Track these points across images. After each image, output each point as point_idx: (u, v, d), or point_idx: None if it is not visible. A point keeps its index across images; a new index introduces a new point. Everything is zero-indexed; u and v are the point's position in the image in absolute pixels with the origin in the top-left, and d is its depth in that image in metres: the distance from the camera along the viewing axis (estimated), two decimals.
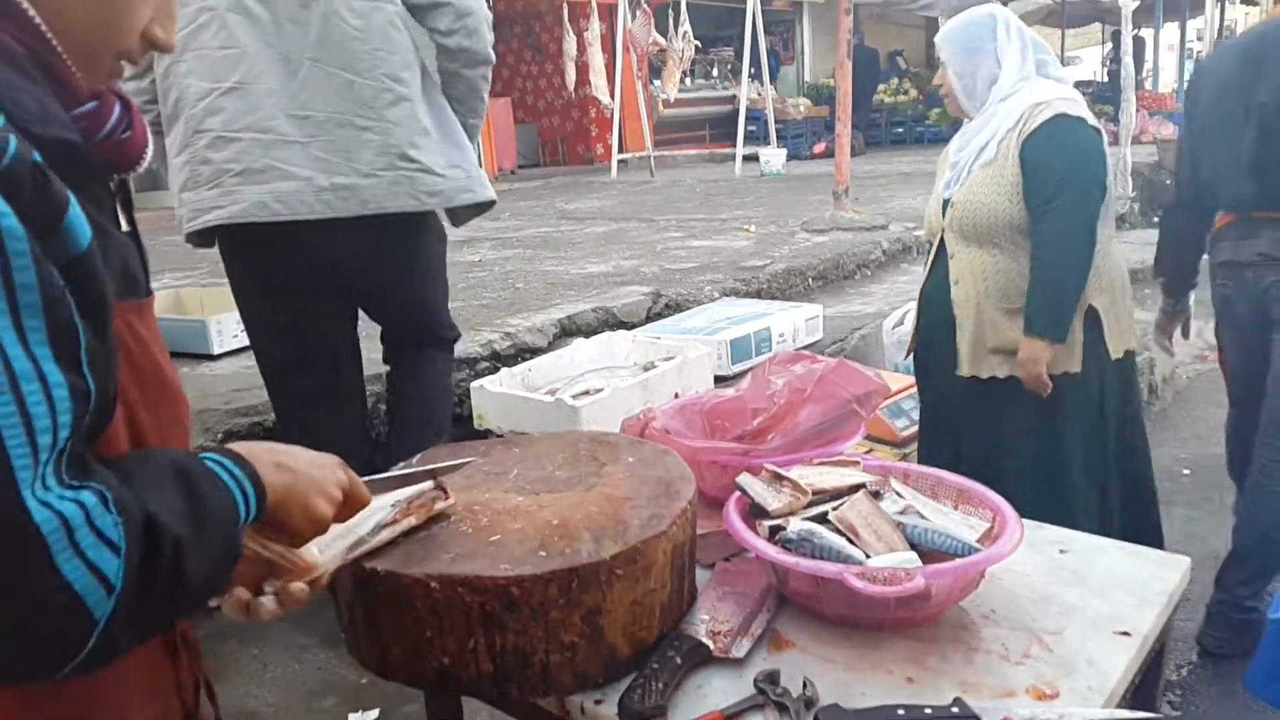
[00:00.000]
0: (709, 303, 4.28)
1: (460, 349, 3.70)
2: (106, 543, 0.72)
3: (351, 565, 1.15)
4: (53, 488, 0.72)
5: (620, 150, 12.40)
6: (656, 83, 12.84)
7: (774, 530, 1.27)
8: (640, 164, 12.74)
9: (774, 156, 11.34)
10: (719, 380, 3.49)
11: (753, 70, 12.04)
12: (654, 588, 1.18)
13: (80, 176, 0.81)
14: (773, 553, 1.23)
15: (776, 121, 12.89)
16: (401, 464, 1.42)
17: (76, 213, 0.76)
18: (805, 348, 3.90)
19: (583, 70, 12.29)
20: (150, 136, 0.95)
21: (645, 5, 11.50)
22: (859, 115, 15.63)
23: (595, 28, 11.88)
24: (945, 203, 2.49)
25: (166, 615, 0.82)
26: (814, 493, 1.34)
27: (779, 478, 1.37)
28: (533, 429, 3.16)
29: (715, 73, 16.37)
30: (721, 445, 1.54)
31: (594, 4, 11.87)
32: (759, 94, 13.15)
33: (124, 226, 0.95)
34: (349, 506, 1.04)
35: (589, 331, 4.04)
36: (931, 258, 2.58)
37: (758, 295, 4.56)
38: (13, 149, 0.70)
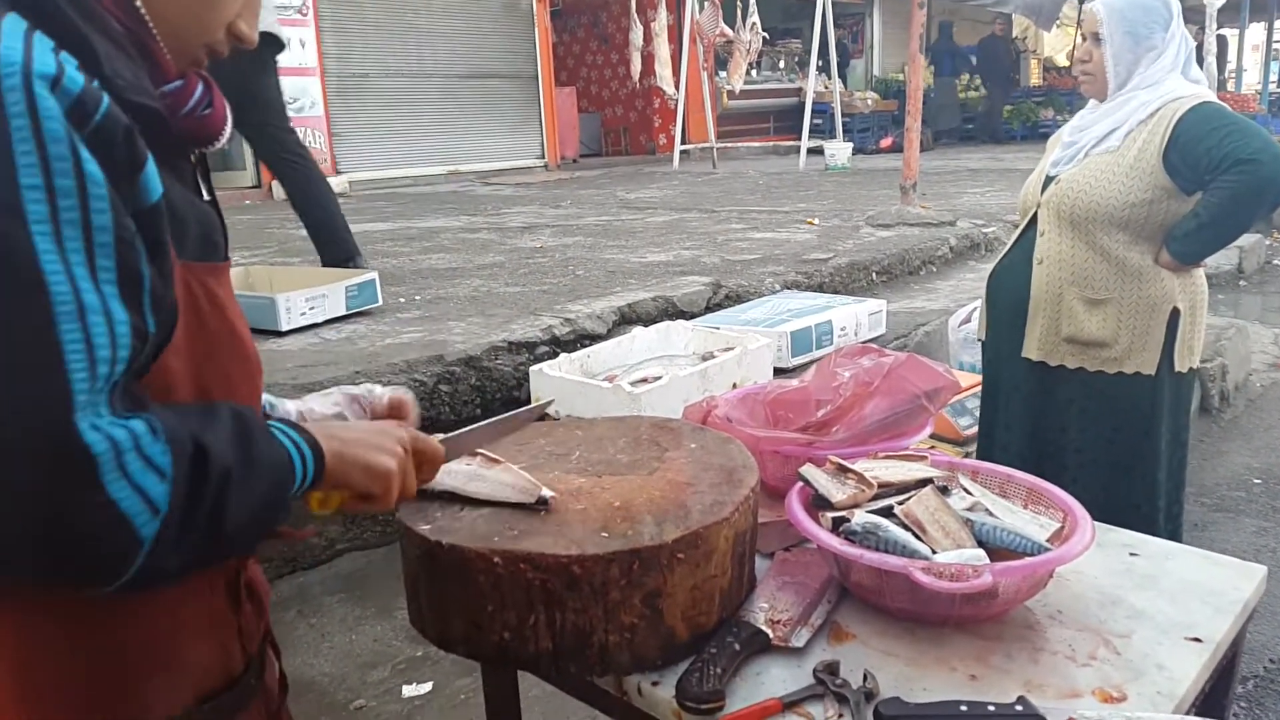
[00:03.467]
0: (770, 295, 4.26)
1: (520, 333, 3.73)
2: (154, 468, 0.77)
3: (412, 536, 1.17)
4: (104, 415, 0.77)
5: (683, 141, 12.37)
6: (722, 74, 12.76)
7: (838, 522, 1.26)
8: (703, 155, 12.70)
9: (840, 150, 11.22)
10: (779, 372, 3.47)
11: (821, 63, 11.91)
12: (714, 573, 1.17)
13: (162, 144, 0.87)
14: (836, 544, 1.22)
15: (843, 115, 12.75)
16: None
17: (152, 170, 0.83)
18: (867, 342, 3.85)
19: (648, 61, 12.28)
20: (229, 114, 0.99)
21: None
22: (994, 105, 15.44)
23: (663, 18, 11.85)
24: (1049, 180, 2.44)
25: (214, 549, 0.85)
26: (880, 486, 1.32)
27: (844, 470, 1.35)
28: (591, 415, 3.18)
29: (782, 65, 16.23)
30: (784, 435, 1.52)
31: None
32: (826, 87, 13.01)
33: (204, 196, 1.01)
34: (421, 460, 1.07)
35: (648, 320, 4.04)
36: (1016, 235, 2.53)
37: (820, 289, 4.52)
38: (104, 107, 0.78)
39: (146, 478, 0.77)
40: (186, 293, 0.91)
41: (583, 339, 3.82)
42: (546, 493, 1.21)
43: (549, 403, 1.32)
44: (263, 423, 0.92)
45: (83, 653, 0.89)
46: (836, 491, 1.30)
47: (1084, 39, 2.42)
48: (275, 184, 9.12)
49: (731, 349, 3.37)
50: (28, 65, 0.75)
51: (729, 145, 13.15)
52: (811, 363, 3.66)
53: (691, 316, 4.06)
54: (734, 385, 3.32)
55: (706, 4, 11.32)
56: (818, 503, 1.33)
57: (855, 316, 3.77)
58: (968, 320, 3.91)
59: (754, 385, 1.79)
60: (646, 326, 3.80)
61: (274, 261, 5.72)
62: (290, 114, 9.16)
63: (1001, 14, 16.07)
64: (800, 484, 1.36)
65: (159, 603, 0.92)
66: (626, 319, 4.04)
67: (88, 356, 0.75)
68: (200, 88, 0.95)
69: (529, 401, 3.31)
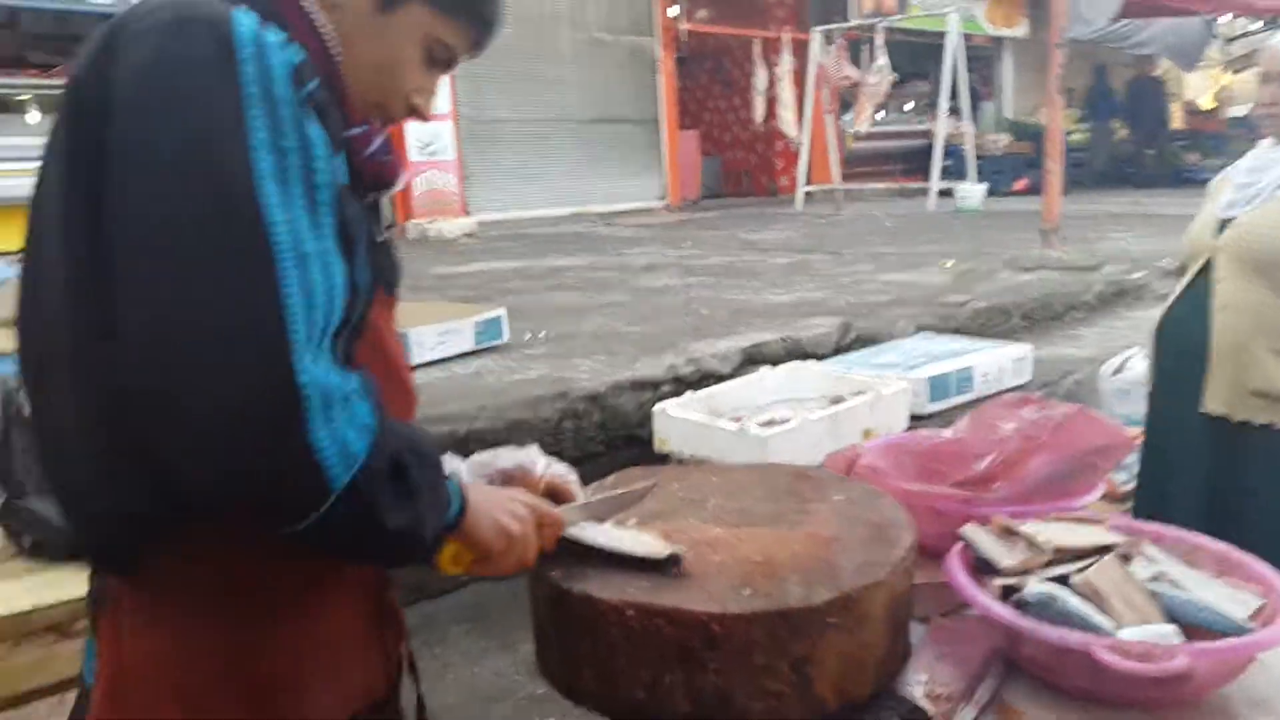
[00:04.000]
0: (903, 337, 4.09)
1: (644, 371, 3.67)
2: (357, 425, 0.81)
3: (543, 580, 1.10)
4: (321, 362, 0.79)
5: (806, 183, 12.23)
6: (847, 116, 12.61)
7: (1007, 590, 1.13)
8: (825, 197, 12.53)
9: (972, 192, 10.89)
10: (916, 419, 3.31)
11: (952, 104, 11.64)
12: (868, 641, 1.06)
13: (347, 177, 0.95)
14: (1007, 615, 1.09)
15: (975, 157, 12.41)
16: (594, 485, 1.36)
17: (342, 158, 0.90)
18: (1011, 390, 3.65)
19: (771, 104, 12.23)
20: (406, 164, 1.06)
21: (840, 39, 11.34)
22: (1152, 143, 14.89)
23: (786, 62, 11.80)
24: (1223, 223, 2.25)
25: (370, 540, 0.85)
26: (1054, 552, 1.18)
27: (1011, 532, 1.22)
28: (716, 457, 3.09)
29: (909, 107, 15.96)
30: (940, 490, 1.40)
31: (785, 39, 11.81)
32: (956, 128, 12.70)
33: (380, 237, 1.05)
34: (543, 527, 1.07)
35: (775, 361, 3.93)
36: (1187, 281, 2.34)
37: (957, 332, 4.32)
38: (316, 81, 0.85)
39: (350, 431, 0.80)
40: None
41: (707, 378, 3.73)
42: (678, 549, 1.11)
43: (651, 486, 1.27)
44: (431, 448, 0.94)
45: (242, 657, 0.90)
46: (1004, 556, 1.17)
47: (1266, 80, 2.25)
48: (409, 224, 9.42)
49: (864, 393, 3.24)
50: (259, 34, 0.81)
51: (853, 187, 12.93)
52: (951, 410, 3.49)
53: (820, 358, 3.93)
54: (866, 432, 3.18)
55: (833, 47, 11.23)
56: (982, 567, 1.20)
57: (998, 362, 3.58)
58: (1120, 370, 3.66)
59: (901, 434, 1.67)
60: (773, 367, 3.69)
61: (403, 297, 5.81)
62: (424, 158, 9.53)
63: (1144, 55, 15.49)
64: (961, 545, 1.24)
65: (313, 613, 0.94)
66: (752, 359, 3.94)
67: (306, 301, 0.78)
68: (381, 137, 1.01)
69: (651, 441, 3.24)
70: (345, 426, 0.79)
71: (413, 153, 9.40)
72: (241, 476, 0.78)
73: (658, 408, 3.19)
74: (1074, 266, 5.84)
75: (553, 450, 3.27)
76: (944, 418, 3.45)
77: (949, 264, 6.26)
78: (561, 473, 1.20)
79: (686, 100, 14.87)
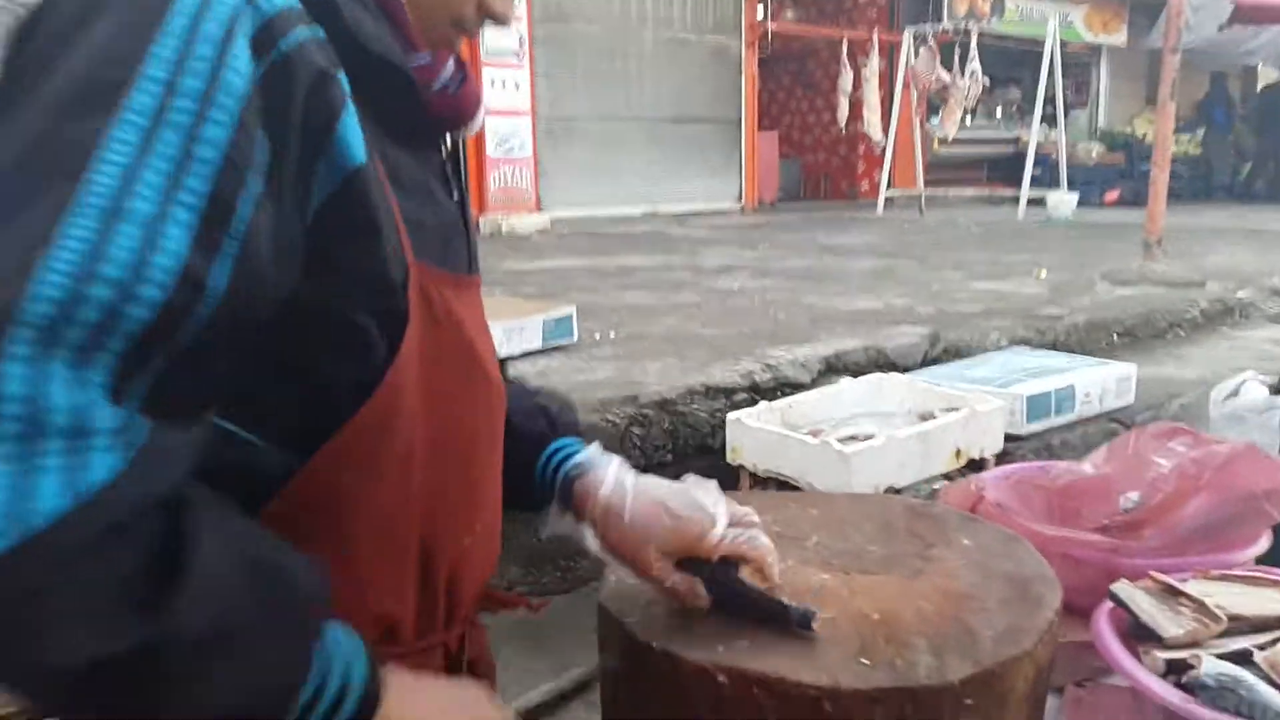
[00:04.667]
0: (995, 350, 3.85)
1: (717, 377, 3.49)
2: (71, 479, 0.50)
3: (613, 628, 0.94)
4: (61, 368, 0.51)
5: (888, 187, 11.91)
6: (935, 120, 12.24)
7: (1173, 666, 0.93)
8: (908, 202, 12.20)
9: (1064, 201, 10.48)
10: (1010, 440, 3.07)
11: (1044, 111, 11.23)
12: None
13: (407, 117, 0.79)
14: (1175, 699, 0.89)
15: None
16: None
17: (351, 129, 0.69)
18: (1113, 411, 3.39)
19: (855, 106, 11.93)
20: (483, 98, 0.87)
21: (931, 42, 11.00)
22: (1266, 160, 14.17)
23: (874, 64, 11.50)
24: None
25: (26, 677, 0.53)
26: (1229, 620, 0.98)
27: (1174, 592, 1.02)
28: (793, 473, 2.90)
29: (999, 113, 15.48)
30: (1081, 537, 1.20)
31: (875, 40, 11.51)
32: (1047, 137, 12.25)
33: (453, 195, 0.88)
34: None
35: (857, 371, 3.72)
36: None
37: (1053, 347, 4.06)
38: (296, 39, 0.65)
39: (47, 480, 0.49)
40: (421, 299, 0.77)
41: (784, 387, 3.54)
42: (814, 610, 0.89)
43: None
44: (313, 619, 0.64)
45: None
46: (1168, 622, 0.97)
47: None
48: (483, 219, 9.37)
49: (956, 409, 3.01)
50: None
51: (938, 193, 12.56)
52: (1049, 431, 3.25)
53: (905, 370, 3.71)
54: (957, 452, 2.96)
55: (923, 49, 10.90)
56: (1137, 633, 1.00)
57: (1101, 381, 3.33)
58: (1235, 394, 3.37)
59: (1028, 466, 1.47)
60: (855, 377, 3.49)
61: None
62: (500, 154, 9.47)
63: (1250, 64, 14.81)
64: (1110, 605, 1.04)
65: None
66: (833, 368, 3.73)
67: (82, 268, 0.53)
68: (452, 64, 0.84)
69: (723, 451, 3.05)
70: (40, 473, 0.49)
71: (489, 149, 9.36)
72: None
73: (731, 416, 3.02)
74: (1177, 282, 5.50)
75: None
76: (1041, 439, 3.21)
77: (1043, 273, 5.95)
78: (749, 542, 0.90)
79: (767, 101, 14.64)
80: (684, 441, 3.20)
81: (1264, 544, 1.23)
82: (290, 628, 0.62)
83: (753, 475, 2.92)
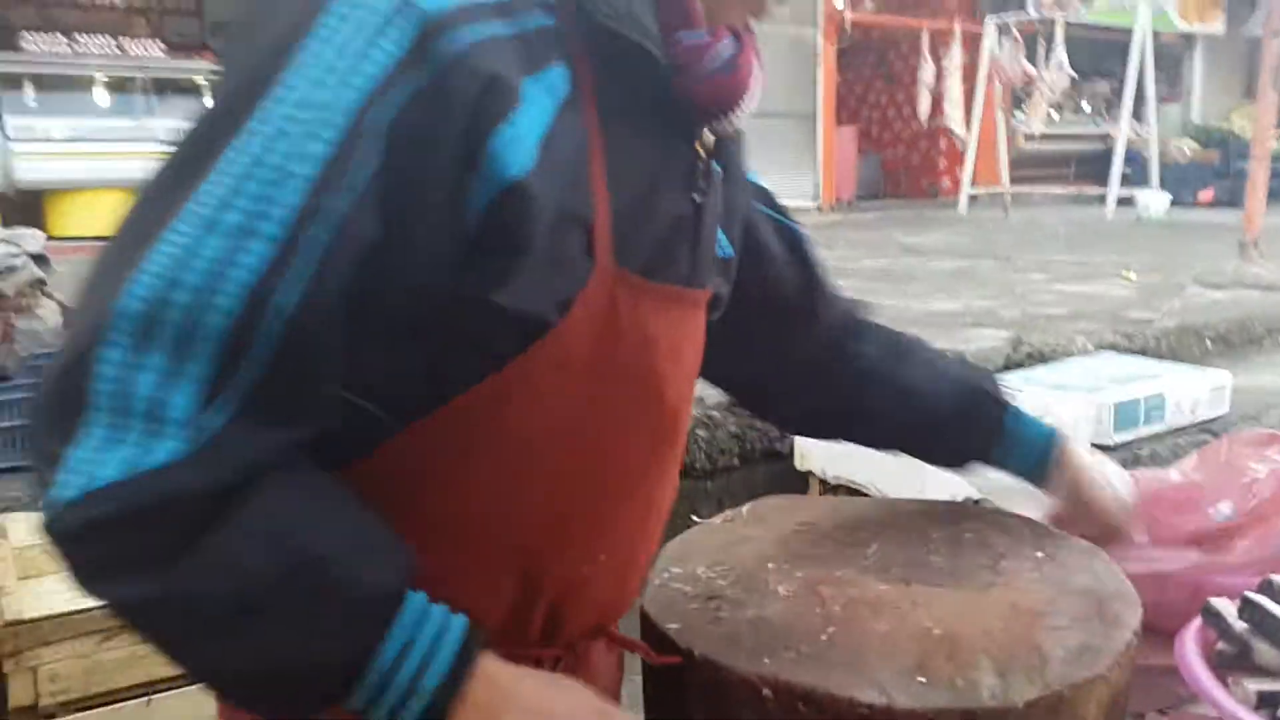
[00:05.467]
0: (1082, 355, 3.70)
1: None
2: (133, 455, 0.57)
3: (654, 634, 0.89)
4: (150, 364, 0.57)
5: (971, 185, 11.62)
6: (1019, 115, 11.91)
7: (1264, 698, 0.85)
8: (992, 200, 11.88)
9: (1155, 200, 10.10)
10: (1097, 449, 2.94)
11: (1134, 107, 10.83)
12: None
13: (650, 104, 0.74)
14: None
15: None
16: (727, 513, 1.15)
17: (512, 135, 0.64)
18: (1206, 422, 3.22)
19: (937, 100, 11.67)
20: (759, 79, 0.78)
21: (1016, 33, 10.70)
22: None
23: (956, 56, 11.23)
24: None
25: (114, 599, 0.61)
26: None
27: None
28: (863, 480, 2.82)
29: (1087, 107, 14.99)
30: (1164, 551, 1.11)
31: (957, 31, 11.24)
32: (1137, 133, 11.82)
33: (696, 196, 0.81)
34: None
35: None
36: None
37: (1142, 353, 3.89)
38: (463, 39, 0.63)
39: (115, 453, 0.57)
40: (605, 307, 0.72)
41: None
42: None
43: None
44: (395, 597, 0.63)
45: None
46: (1268, 650, 0.89)
47: None
48: None
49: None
50: None
51: (1023, 191, 12.21)
52: (1138, 441, 3.10)
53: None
54: None
55: (1008, 41, 10.60)
56: (1227, 661, 0.92)
57: (1193, 390, 3.16)
58: None
59: None
60: None
61: None
62: None
63: None
64: (1199, 623, 0.96)
65: None
66: None
67: (172, 273, 0.58)
68: (731, 46, 0.76)
69: (792, 457, 2.98)
70: (118, 445, 0.57)
71: None
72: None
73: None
74: (1275, 285, 5.24)
75: (684, 461, 3.07)
76: (1129, 450, 3.06)
77: (1131, 275, 5.73)
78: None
79: (845, 95, 14.41)
80: (751, 446, 3.14)
81: None
82: (327, 616, 0.61)
83: (822, 482, 2.84)
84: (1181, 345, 4.15)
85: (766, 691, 0.80)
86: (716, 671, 0.83)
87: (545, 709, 0.66)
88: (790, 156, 11.87)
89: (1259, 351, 4.45)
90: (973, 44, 11.48)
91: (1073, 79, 10.99)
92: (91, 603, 0.63)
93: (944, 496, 2.58)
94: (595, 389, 0.74)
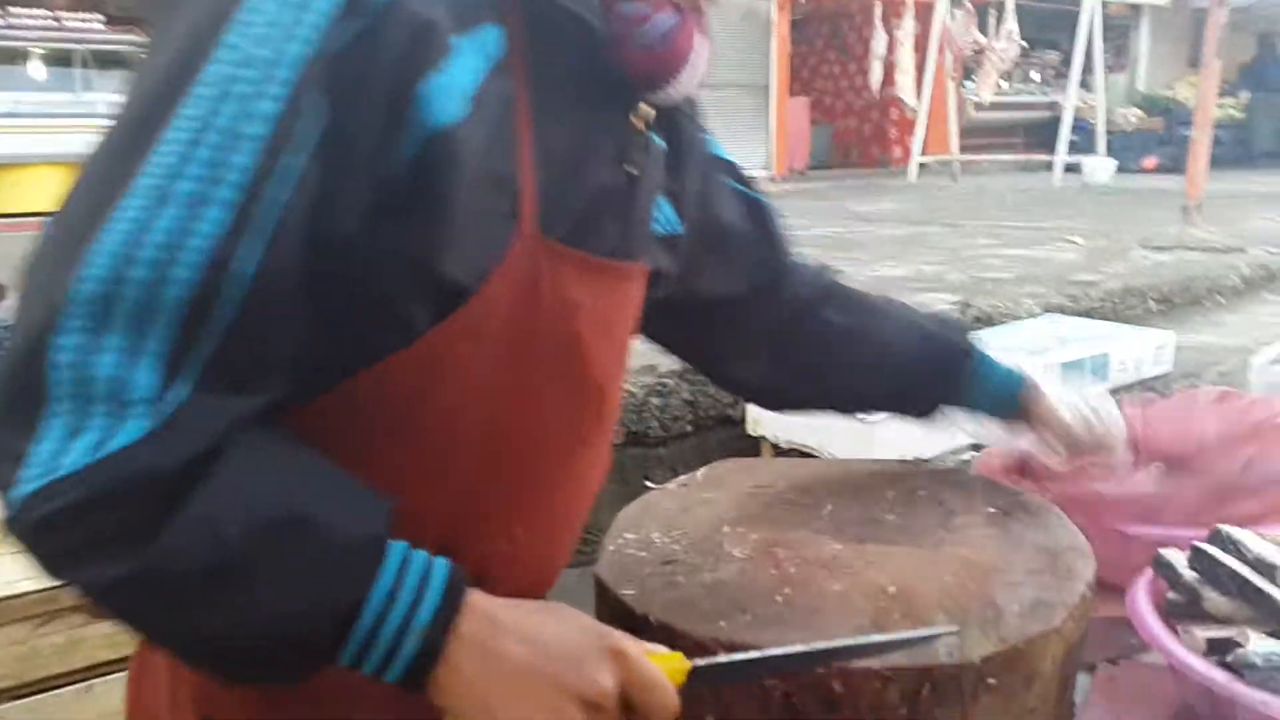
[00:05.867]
0: (1029, 318, 3.74)
1: None
2: (95, 439, 0.55)
3: (610, 600, 0.88)
4: (126, 345, 0.55)
5: (921, 154, 11.69)
6: (969, 84, 12.00)
7: (1214, 645, 0.86)
8: (940, 169, 11.98)
9: (1102, 167, 10.25)
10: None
11: (1083, 75, 10.95)
12: (1032, 706, 0.81)
13: (584, 73, 0.72)
14: (1219, 679, 0.82)
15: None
16: (681, 479, 1.14)
17: (443, 84, 0.63)
18: (1150, 380, 3.28)
19: (889, 70, 11.70)
20: (699, 50, 0.77)
21: (968, 3, 10.74)
22: None
23: (909, 25, 11.25)
24: None
25: (97, 588, 0.58)
26: None
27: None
28: (815, 444, 2.82)
29: (1036, 77, 15.13)
30: (1092, 491, 1.11)
31: (910, 1, 11.25)
32: (1085, 101, 11.96)
33: (629, 168, 0.78)
34: (639, 712, 0.66)
35: None
36: None
37: (1087, 314, 3.95)
38: None
39: (84, 436, 0.55)
40: (526, 276, 0.69)
41: None
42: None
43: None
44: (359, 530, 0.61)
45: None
46: (1218, 598, 0.89)
47: None
48: None
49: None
50: None
51: (972, 159, 12.32)
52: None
53: None
54: None
55: (959, 10, 10.64)
56: (1177, 610, 0.93)
57: (1137, 349, 3.21)
58: (1277, 360, 3.26)
59: None
60: None
61: None
62: None
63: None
64: (1150, 575, 0.97)
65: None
66: None
67: (126, 249, 0.55)
68: (670, 18, 0.74)
69: (744, 422, 2.99)
70: (84, 432, 0.55)
71: None
72: None
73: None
74: (1215, 247, 5.34)
75: (637, 430, 3.05)
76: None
77: (1077, 239, 5.81)
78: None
79: (799, 66, 14.40)
80: (704, 412, 3.14)
81: None
82: (312, 571, 0.59)
83: (774, 447, 2.85)
84: (1125, 306, 4.21)
85: (723, 655, 0.79)
86: (672, 635, 0.81)
87: (537, 633, 0.64)
88: (743, 126, 11.84)
89: (1200, 311, 4.54)
90: (925, 14, 11.51)
91: (1023, 48, 11.09)
92: (26, 587, 0.60)
93: (895, 457, 2.62)
94: (514, 362, 0.72)
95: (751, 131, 11.93)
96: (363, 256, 0.64)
